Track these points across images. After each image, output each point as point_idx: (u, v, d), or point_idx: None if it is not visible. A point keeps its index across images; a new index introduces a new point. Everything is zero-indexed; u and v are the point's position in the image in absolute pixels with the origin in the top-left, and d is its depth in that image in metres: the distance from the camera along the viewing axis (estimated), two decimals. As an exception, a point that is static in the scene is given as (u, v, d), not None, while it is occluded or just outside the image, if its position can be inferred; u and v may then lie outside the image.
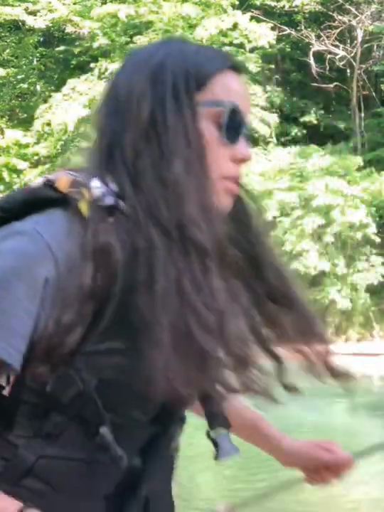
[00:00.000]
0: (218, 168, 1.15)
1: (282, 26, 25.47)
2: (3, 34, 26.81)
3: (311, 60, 24.82)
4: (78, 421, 1.03)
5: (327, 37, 24.56)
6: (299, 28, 25.20)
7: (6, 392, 1.03)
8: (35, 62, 26.73)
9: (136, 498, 1.07)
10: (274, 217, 20.87)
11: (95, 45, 24.51)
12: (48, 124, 23.64)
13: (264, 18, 24.68)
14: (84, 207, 1.01)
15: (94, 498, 1.05)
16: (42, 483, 1.02)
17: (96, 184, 1.04)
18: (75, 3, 25.45)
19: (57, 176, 1.05)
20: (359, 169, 21.47)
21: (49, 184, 1.04)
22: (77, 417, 1.03)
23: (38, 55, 26.98)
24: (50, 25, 25.62)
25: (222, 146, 1.17)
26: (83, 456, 1.03)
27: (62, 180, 1.04)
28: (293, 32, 25.01)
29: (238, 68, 1.21)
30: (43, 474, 1.02)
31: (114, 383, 1.02)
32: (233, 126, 1.19)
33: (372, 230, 19.97)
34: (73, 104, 22.87)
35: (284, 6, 25.18)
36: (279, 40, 25.26)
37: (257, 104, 23.69)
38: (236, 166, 1.19)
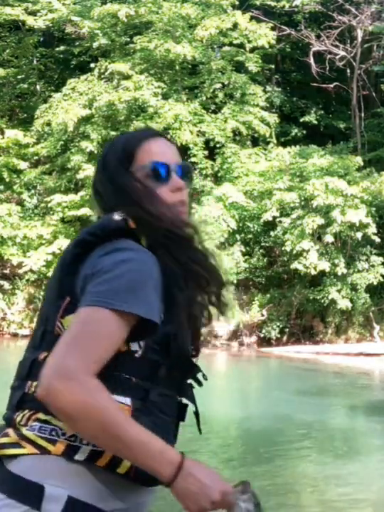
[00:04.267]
0: (165, 201, 1.74)
1: (282, 26, 25.48)
2: (3, 34, 26.81)
3: (311, 60, 24.82)
4: (170, 370, 1.61)
5: (327, 37, 24.57)
6: (299, 28, 25.20)
7: (138, 354, 1.56)
8: (35, 62, 26.74)
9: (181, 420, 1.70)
10: (274, 217, 20.91)
11: (95, 45, 24.52)
12: (48, 124, 23.64)
13: (264, 18, 24.69)
14: (143, 240, 1.64)
15: (172, 419, 1.64)
16: (161, 413, 1.59)
17: None
18: (74, 3, 25.45)
19: (126, 217, 1.65)
20: (359, 169, 21.48)
21: (125, 221, 1.64)
22: (171, 366, 1.61)
23: (38, 55, 26.99)
24: (50, 25, 25.63)
25: (161, 186, 1.76)
26: (173, 393, 1.64)
27: (131, 220, 1.64)
28: (293, 32, 25.01)
29: (156, 134, 1.82)
30: (161, 407, 1.59)
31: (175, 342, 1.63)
32: (160, 173, 1.77)
33: (372, 230, 19.97)
34: (73, 104, 22.87)
35: (284, 6, 25.18)
36: (279, 40, 25.27)
37: (257, 104, 23.71)
38: (176, 194, 1.77)
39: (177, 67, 23.96)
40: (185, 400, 1.69)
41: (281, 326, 20.92)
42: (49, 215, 22.75)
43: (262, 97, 24.08)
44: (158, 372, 1.59)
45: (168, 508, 2.80)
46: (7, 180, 23.47)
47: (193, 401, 1.71)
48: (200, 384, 1.71)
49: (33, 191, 23.88)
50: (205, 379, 1.71)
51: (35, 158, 24.21)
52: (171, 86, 23.82)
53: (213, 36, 23.33)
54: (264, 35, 23.69)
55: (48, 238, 21.84)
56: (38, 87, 26.64)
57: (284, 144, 23.84)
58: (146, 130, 1.88)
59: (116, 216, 1.65)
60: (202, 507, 1.49)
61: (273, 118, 23.86)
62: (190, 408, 1.71)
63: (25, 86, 26.58)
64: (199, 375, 1.72)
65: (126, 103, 22.33)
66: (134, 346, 1.57)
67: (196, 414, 1.73)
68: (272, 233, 21.20)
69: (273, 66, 26.78)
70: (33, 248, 21.83)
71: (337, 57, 24.58)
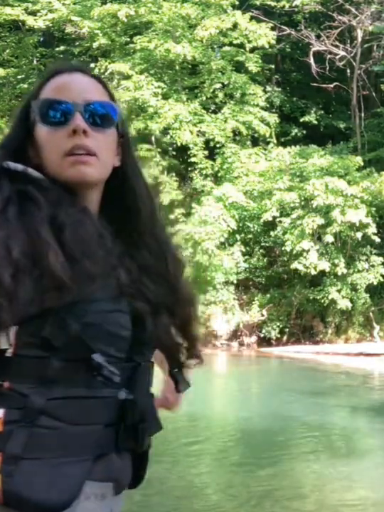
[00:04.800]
0: (58, 149, 1.45)
1: (282, 26, 25.48)
2: (3, 34, 26.82)
3: (311, 60, 24.82)
4: (73, 362, 1.32)
5: (327, 37, 24.56)
6: (299, 28, 25.19)
7: (9, 353, 1.29)
8: (35, 62, 26.74)
9: (127, 424, 1.39)
10: (274, 218, 20.91)
11: (95, 45, 24.52)
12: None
13: (264, 18, 24.69)
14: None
15: (97, 426, 1.35)
16: (55, 420, 1.30)
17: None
18: (74, 3, 25.45)
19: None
20: (359, 169, 21.48)
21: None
22: (72, 359, 1.32)
23: (38, 55, 26.99)
24: (50, 25, 25.62)
25: (57, 130, 1.45)
26: (84, 394, 1.33)
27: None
28: (293, 32, 25.01)
29: (70, 69, 1.52)
30: (55, 413, 1.30)
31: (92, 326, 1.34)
32: (47, 113, 1.46)
33: (372, 230, 19.97)
34: (73, 104, 22.86)
35: (284, 6, 25.18)
36: (279, 40, 25.27)
37: (257, 104, 23.71)
38: (73, 139, 1.44)
39: (177, 67, 23.96)
40: (124, 395, 1.38)
41: (281, 326, 20.92)
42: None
43: (262, 97, 24.08)
44: (47, 370, 1.30)
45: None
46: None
47: (134, 392, 1.39)
48: (108, 380, 1.34)
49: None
50: (187, 386, 1.56)
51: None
52: (171, 86, 23.82)
53: (213, 36, 23.33)
54: (264, 35, 23.69)
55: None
56: (38, 87, 26.63)
57: (284, 144, 23.83)
58: (61, 65, 1.57)
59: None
60: None
61: (273, 118, 23.87)
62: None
63: (25, 86, 26.55)
64: (106, 365, 1.35)
65: (126, 103, 22.33)
66: (2, 343, 1.29)
67: (127, 405, 1.38)
68: (272, 233, 21.20)
69: (273, 66, 26.78)
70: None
71: (337, 57, 24.57)
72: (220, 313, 20.90)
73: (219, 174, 22.72)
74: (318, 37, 24.89)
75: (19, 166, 1.44)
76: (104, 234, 1.38)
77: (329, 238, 19.87)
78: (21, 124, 1.52)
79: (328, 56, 24.47)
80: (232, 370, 18.07)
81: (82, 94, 1.47)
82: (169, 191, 21.38)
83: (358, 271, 20.33)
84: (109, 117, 1.50)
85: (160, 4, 23.76)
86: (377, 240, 20.18)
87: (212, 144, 22.73)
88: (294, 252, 19.95)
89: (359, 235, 19.93)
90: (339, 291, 20.05)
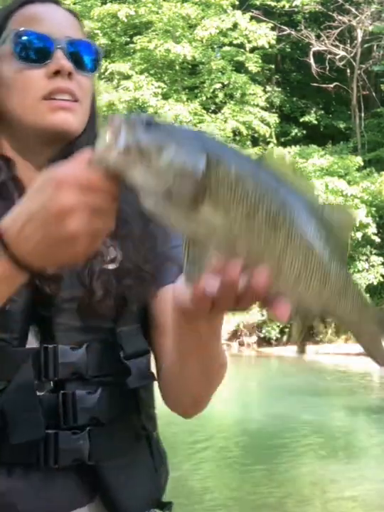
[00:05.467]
0: (33, 91, 1.22)
1: (282, 26, 25.47)
2: (3, 34, 26.83)
3: (311, 60, 24.81)
4: None
5: (327, 37, 24.55)
6: (299, 28, 25.19)
7: None
8: (35, 62, 26.75)
9: None
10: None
11: (95, 45, 24.52)
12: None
13: (264, 18, 24.68)
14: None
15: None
16: None
17: None
18: (74, 3, 25.43)
19: None
20: (359, 169, 21.47)
21: None
22: None
23: (38, 55, 26.98)
24: None
25: (28, 69, 1.23)
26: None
27: None
28: (293, 32, 25.00)
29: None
30: None
31: None
32: (25, 47, 1.23)
33: (372, 230, 19.97)
34: (73, 104, 22.87)
35: (284, 6, 25.17)
36: (279, 40, 25.26)
37: (257, 104, 23.70)
38: (55, 81, 1.22)
39: (177, 67, 23.96)
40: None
41: (281, 326, 20.92)
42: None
43: (262, 97, 24.07)
44: None
45: None
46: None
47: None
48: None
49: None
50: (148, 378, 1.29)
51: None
52: (171, 86, 23.82)
53: (213, 36, 23.33)
54: (264, 35, 23.69)
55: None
56: (38, 87, 26.65)
57: (284, 144, 23.83)
58: None
59: None
60: (60, 234, 0.88)
61: (273, 118, 23.86)
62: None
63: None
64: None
65: (126, 103, 22.33)
66: None
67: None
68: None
69: (273, 66, 26.76)
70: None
71: (337, 57, 24.56)
72: (220, 313, 20.89)
73: (219, 174, 22.72)
74: (318, 37, 24.88)
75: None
76: None
77: (329, 238, 19.86)
78: None
79: (328, 56, 24.46)
80: (232, 370, 18.00)
81: (62, 29, 1.26)
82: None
83: (358, 271, 20.33)
84: (94, 58, 1.29)
85: (160, 4, 23.75)
86: (377, 240, 20.17)
87: (212, 144, 22.73)
88: (294, 252, 19.95)
89: (359, 235, 19.93)
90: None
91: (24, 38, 1.23)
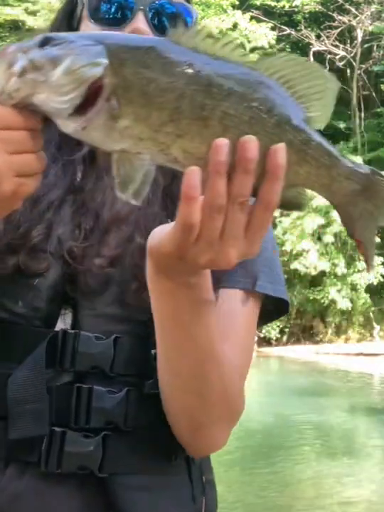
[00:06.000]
0: None
1: (282, 26, 25.47)
2: (3, 34, 26.81)
3: (311, 60, 24.77)
4: None
5: (327, 37, 24.56)
6: (299, 28, 25.20)
7: None
8: (35, 62, 26.74)
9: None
10: (274, 217, 20.90)
11: (95, 45, 24.53)
12: (48, 124, 23.66)
13: (264, 18, 24.69)
14: None
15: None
16: None
17: None
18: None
19: None
20: (359, 169, 21.47)
21: None
22: None
23: (38, 55, 26.98)
24: (50, 25, 25.61)
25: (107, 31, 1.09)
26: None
27: None
28: (293, 32, 25.01)
29: None
30: None
31: None
32: (102, 7, 1.10)
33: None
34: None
35: (284, 6, 25.18)
36: (279, 40, 25.26)
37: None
38: None
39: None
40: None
41: (281, 326, 20.93)
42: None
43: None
44: None
45: None
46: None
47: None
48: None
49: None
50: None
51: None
52: (171, 86, 23.86)
53: (213, 36, 23.33)
54: (264, 35, 23.70)
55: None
56: (38, 87, 26.65)
57: (284, 144, 23.83)
58: None
59: None
60: None
61: (273, 118, 23.87)
62: None
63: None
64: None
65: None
66: None
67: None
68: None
69: (273, 66, 26.77)
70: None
71: (337, 57, 24.57)
72: (220, 313, 20.91)
73: (219, 174, 22.74)
74: (318, 37, 24.89)
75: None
76: None
77: (329, 238, 19.88)
78: (63, 23, 1.19)
79: (328, 56, 24.47)
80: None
81: None
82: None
83: (358, 271, 20.33)
84: (181, 23, 1.12)
85: (160, 4, 23.78)
86: (377, 239, 20.16)
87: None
88: (294, 252, 19.94)
89: (359, 235, 19.95)
90: (339, 291, 20.05)
91: None
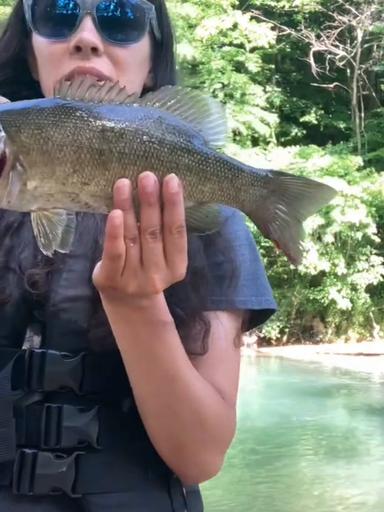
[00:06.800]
0: (55, 71, 1.02)
1: (282, 26, 25.46)
2: (3, 34, 26.85)
3: (311, 60, 24.81)
4: None
5: (327, 37, 24.56)
6: (299, 28, 25.18)
7: None
8: (35, 62, 26.75)
9: None
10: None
11: (95, 45, 24.51)
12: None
13: (264, 18, 24.68)
14: None
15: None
16: None
17: None
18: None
19: None
20: (359, 169, 21.48)
21: None
22: None
23: (37, 55, 26.99)
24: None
25: (51, 44, 1.02)
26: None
27: None
28: (293, 32, 25.00)
29: None
30: None
31: None
32: (45, 16, 1.01)
33: (372, 230, 19.97)
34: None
35: (284, 6, 25.17)
36: (279, 40, 25.26)
37: (257, 104, 23.70)
38: (74, 59, 1.00)
39: (177, 67, 23.93)
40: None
41: (281, 326, 20.92)
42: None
43: (262, 97, 24.07)
44: None
45: None
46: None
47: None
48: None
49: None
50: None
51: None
52: (171, 86, 23.82)
53: (213, 36, 23.32)
54: (264, 35, 23.69)
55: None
56: (38, 87, 26.65)
57: (284, 144, 23.82)
58: None
59: None
60: None
61: (273, 118, 23.86)
62: None
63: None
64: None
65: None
66: None
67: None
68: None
69: (273, 66, 26.76)
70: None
71: (337, 57, 24.57)
72: (220, 313, 20.88)
73: (219, 174, 22.71)
74: (318, 37, 24.88)
75: (2, 98, 1.02)
76: None
77: (329, 238, 19.87)
78: (17, 26, 1.09)
79: (328, 56, 24.47)
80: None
81: None
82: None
83: (358, 271, 20.33)
84: (136, 22, 1.03)
85: (160, 4, 23.75)
86: (377, 240, 20.17)
87: (212, 143, 22.72)
88: (294, 252, 19.94)
89: (359, 235, 19.93)
90: (339, 291, 20.05)
91: (41, 4, 1.02)
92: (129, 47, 1.04)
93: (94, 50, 1.00)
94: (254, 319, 1.19)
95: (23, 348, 1.04)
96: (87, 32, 0.99)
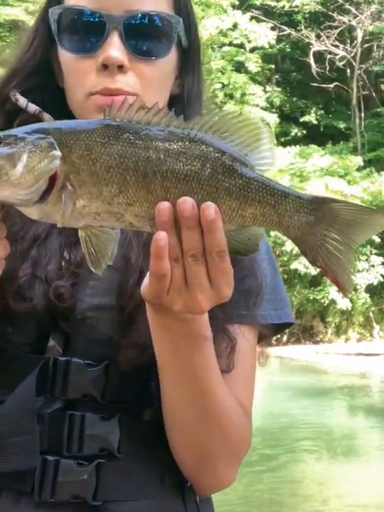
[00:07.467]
0: (81, 87, 1.04)
1: (282, 26, 25.47)
2: (3, 34, 26.80)
3: (311, 60, 24.81)
4: None
5: (327, 37, 24.56)
6: (299, 28, 25.19)
7: None
8: (35, 62, 26.74)
9: None
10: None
11: (95, 45, 24.51)
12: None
13: (264, 18, 24.68)
14: None
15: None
16: None
17: None
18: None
19: None
20: (359, 169, 21.47)
21: None
22: None
23: (38, 55, 26.98)
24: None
25: (78, 59, 1.03)
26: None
27: None
28: (293, 32, 25.00)
29: None
30: None
31: None
32: (72, 31, 1.00)
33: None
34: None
35: (284, 6, 25.17)
36: (279, 40, 25.26)
37: (257, 104, 23.70)
38: (101, 76, 1.01)
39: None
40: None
41: (281, 326, 20.91)
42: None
43: (262, 97, 24.07)
44: None
45: None
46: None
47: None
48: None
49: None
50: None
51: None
52: (171, 86, 23.84)
53: (213, 36, 23.32)
54: (264, 35, 23.69)
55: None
56: (38, 87, 26.64)
57: (284, 144, 23.82)
58: None
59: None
60: None
61: (273, 118, 23.86)
62: None
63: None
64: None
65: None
66: None
67: None
68: (271, 233, 21.18)
69: (273, 66, 26.77)
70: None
71: (337, 57, 24.57)
72: (220, 313, 20.88)
73: (219, 174, 22.72)
74: (318, 37, 24.89)
75: (32, 106, 1.06)
76: None
77: (329, 238, 19.87)
78: (43, 34, 1.09)
79: (328, 56, 24.47)
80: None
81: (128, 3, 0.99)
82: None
83: (358, 271, 20.32)
84: (163, 37, 1.03)
85: (160, 4, 23.75)
86: (377, 239, 20.16)
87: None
88: (294, 251, 19.93)
89: (359, 235, 19.93)
90: (339, 291, 20.03)
91: (68, 18, 1.01)
92: (156, 62, 1.04)
93: (121, 67, 1.01)
94: (270, 331, 1.22)
95: (47, 355, 1.05)
96: (114, 49, 0.99)
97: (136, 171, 0.85)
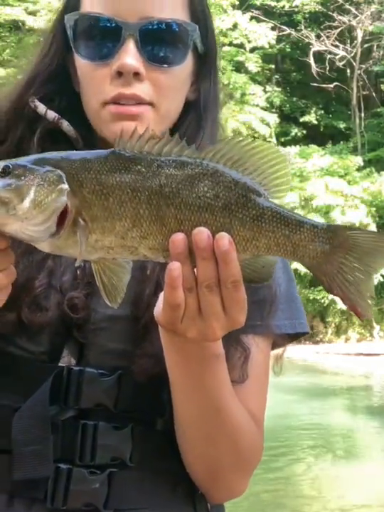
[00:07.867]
0: (96, 95, 1.03)
1: (282, 26, 25.47)
2: (3, 34, 26.79)
3: (311, 60, 24.81)
4: None
5: (327, 37, 24.56)
6: (299, 28, 25.19)
7: None
8: (35, 62, 26.72)
9: None
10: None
11: (95, 45, 24.51)
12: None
13: (264, 18, 24.68)
14: None
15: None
16: None
17: None
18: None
19: None
20: (359, 169, 21.47)
21: None
22: None
23: (38, 55, 26.95)
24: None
25: (94, 67, 1.01)
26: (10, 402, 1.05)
27: None
28: (293, 32, 25.00)
29: None
30: None
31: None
32: (87, 38, 0.99)
33: (372, 230, 19.97)
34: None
35: (284, 6, 25.18)
36: (279, 40, 25.26)
37: (257, 104, 23.70)
38: (116, 84, 1.00)
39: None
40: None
41: (281, 326, 20.91)
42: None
43: (261, 97, 24.07)
44: None
45: None
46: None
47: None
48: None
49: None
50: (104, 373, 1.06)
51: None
52: (171, 86, 23.85)
53: (213, 36, 23.33)
54: (264, 35, 23.69)
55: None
56: (38, 87, 26.62)
57: (284, 144, 23.82)
58: None
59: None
60: None
61: (273, 118, 23.86)
62: None
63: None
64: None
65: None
66: None
67: None
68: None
69: (273, 66, 26.77)
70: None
71: (337, 57, 24.57)
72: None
73: (219, 174, 22.73)
74: (318, 37, 24.89)
75: (51, 113, 1.06)
76: None
77: (329, 238, 19.88)
78: (60, 39, 1.08)
79: (328, 56, 24.47)
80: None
81: (140, 4, 0.98)
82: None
83: (358, 271, 20.32)
84: (179, 45, 1.01)
85: (160, 4, 23.76)
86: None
87: (212, 144, 22.74)
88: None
89: (359, 235, 19.94)
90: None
91: (84, 24, 1.00)
92: (172, 69, 1.03)
93: (136, 75, 1.00)
94: (284, 340, 1.24)
95: (60, 364, 1.05)
96: (130, 56, 0.98)
97: (150, 204, 0.84)
